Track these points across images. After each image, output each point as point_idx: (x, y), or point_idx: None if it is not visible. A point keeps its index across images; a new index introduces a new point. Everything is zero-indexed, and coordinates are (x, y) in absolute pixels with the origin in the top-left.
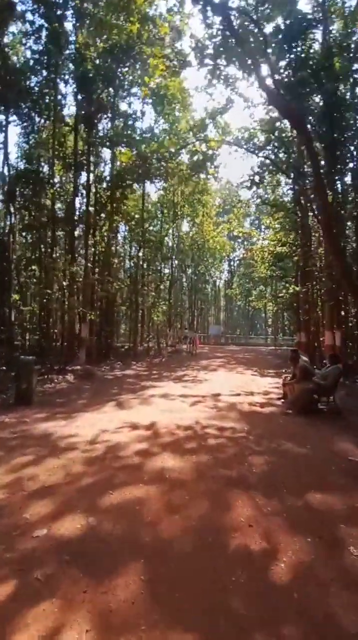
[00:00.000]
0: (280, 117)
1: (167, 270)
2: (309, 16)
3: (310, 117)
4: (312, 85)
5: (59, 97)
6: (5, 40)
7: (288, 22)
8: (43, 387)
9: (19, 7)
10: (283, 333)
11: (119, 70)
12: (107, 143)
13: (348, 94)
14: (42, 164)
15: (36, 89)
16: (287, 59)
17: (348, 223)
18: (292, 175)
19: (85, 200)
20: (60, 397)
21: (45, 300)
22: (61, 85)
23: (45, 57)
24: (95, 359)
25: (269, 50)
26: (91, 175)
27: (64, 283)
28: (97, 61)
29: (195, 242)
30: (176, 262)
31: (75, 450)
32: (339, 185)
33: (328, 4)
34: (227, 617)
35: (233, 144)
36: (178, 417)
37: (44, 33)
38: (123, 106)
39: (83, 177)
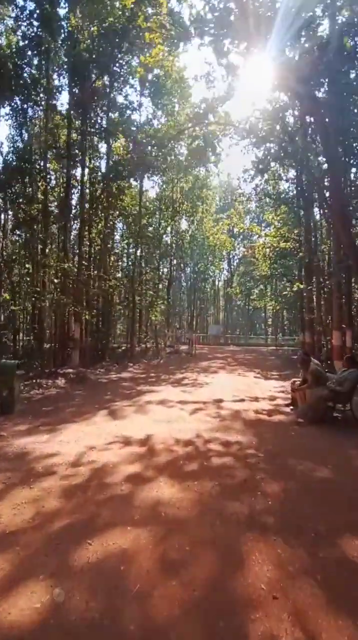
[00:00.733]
0: (285, 107)
1: (165, 269)
2: None
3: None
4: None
5: (52, 83)
6: None
7: None
8: (29, 394)
9: None
10: (283, 333)
11: (115, 55)
12: (103, 134)
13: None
14: (35, 156)
15: (26, 75)
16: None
17: None
18: (296, 166)
19: (79, 194)
20: (47, 405)
21: (34, 299)
22: (55, 75)
23: (37, 44)
24: (90, 361)
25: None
26: (86, 169)
27: (55, 280)
28: (92, 46)
29: (194, 238)
30: (175, 260)
31: (53, 475)
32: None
33: None
34: None
35: (235, 126)
36: (176, 428)
37: (35, 17)
38: (119, 98)
39: (78, 172)
